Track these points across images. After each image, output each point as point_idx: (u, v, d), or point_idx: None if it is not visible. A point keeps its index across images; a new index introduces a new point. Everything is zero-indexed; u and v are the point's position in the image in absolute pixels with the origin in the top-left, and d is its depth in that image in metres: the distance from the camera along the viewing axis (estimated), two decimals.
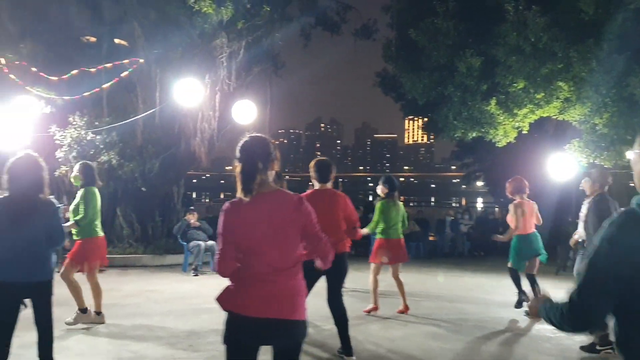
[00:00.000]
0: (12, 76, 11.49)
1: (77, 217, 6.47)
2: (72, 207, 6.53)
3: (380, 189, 7.62)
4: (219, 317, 7.10)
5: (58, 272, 5.71)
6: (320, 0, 15.66)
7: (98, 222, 6.70)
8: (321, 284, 5.31)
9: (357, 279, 9.66)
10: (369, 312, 7.49)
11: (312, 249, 3.01)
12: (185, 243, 11.47)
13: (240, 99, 12.21)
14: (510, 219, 7.65)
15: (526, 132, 12.98)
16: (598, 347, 5.65)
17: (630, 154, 2.02)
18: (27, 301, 4.40)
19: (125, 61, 12.18)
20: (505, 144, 13.25)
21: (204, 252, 11.23)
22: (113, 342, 5.89)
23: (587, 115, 11.49)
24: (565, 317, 1.95)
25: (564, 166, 9.69)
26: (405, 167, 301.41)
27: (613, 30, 10.67)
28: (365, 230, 7.25)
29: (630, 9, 10.47)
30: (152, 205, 13.44)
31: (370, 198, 11.33)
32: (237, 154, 2.99)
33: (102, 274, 10.68)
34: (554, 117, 12.64)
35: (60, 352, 5.35)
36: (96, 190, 6.64)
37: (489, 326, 7.01)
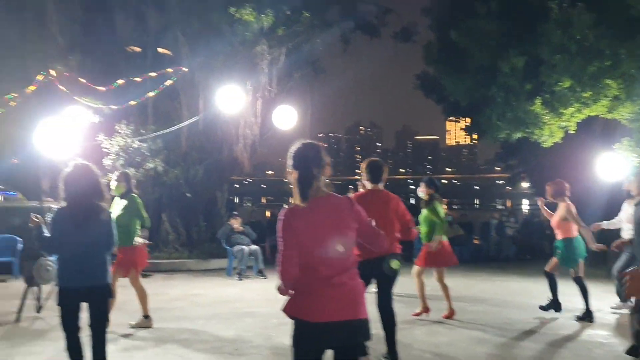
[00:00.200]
0: (62, 87, 11.89)
1: (146, 225, 6.88)
2: (115, 214, 6.64)
3: (424, 191, 7.46)
4: (262, 322, 7.20)
5: None
6: (360, 4, 15.66)
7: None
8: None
9: (401, 283, 9.60)
10: (418, 315, 7.42)
11: (372, 244, 3.23)
12: (229, 248, 11.62)
13: (281, 104, 12.33)
14: (558, 221, 7.46)
15: (573, 131, 12.66)
16: None
17: None
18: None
19: (169, 70, 12.45)
20: (551, 144, 12.95)
21: (248, 257, 11.34)
22: (160, 346, 6.00)
23: (637, 113, 11.14)
24: None
25: (614, 166, 9.41)
26: (448, 169, 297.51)
27: None
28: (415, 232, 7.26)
29: None
30: (197, 210, 13.68)
31: (412, 201, 11.27)
32: (291, 160, 3.04)
33: (148, 279, 10.95)
34: (602, 116, 12.28)
35: (109, 355, 5.50)
36: None
37: (537, 331, 6.85)
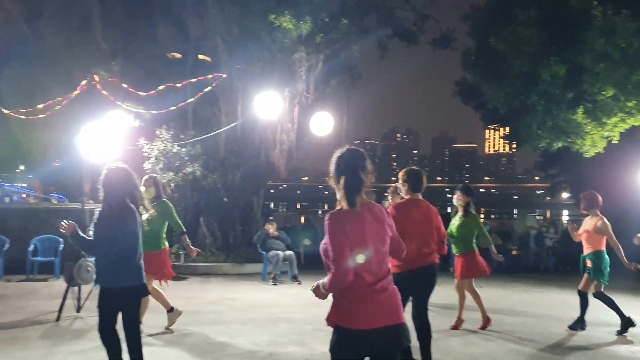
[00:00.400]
0: (104, 92, 12.19)
1: (182, 230, 6.92)
2: (144, 218, 6.67)
3: (460, 198, 7.33)
4: (297, 327, 7.22)
5: None
6: (398, 11, 15.62)
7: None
8: None
9: (436, 293, 9.51)
10: (455, 327, 7.30)
11: (396, 253, 3.26)
12: (264, 252, 11.70)
13: (317, 110, 12.38)
14: (589, 234, 7.28)
15: (616, 142, 12.35)
16: None
17: None
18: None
19: (209, 76, 12.64)
20: (593, 154, 12.67)
21: (283, 262, 11.39)
22: (196, 349, 6.08)
23: None
24: None
25: None
26: (486, 178, 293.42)
27: None
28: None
29: None
30: (233, 215, 13.82)
31: (449, 210, 11.15)
32: (336, 166, 3.05)
33: (185, 282, 11.11)
34: None
35: (145, 357, 5.60)
36: None
37: (576, 345, 6.69)
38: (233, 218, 13.81)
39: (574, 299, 10.34)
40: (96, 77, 12.33)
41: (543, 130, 12.86)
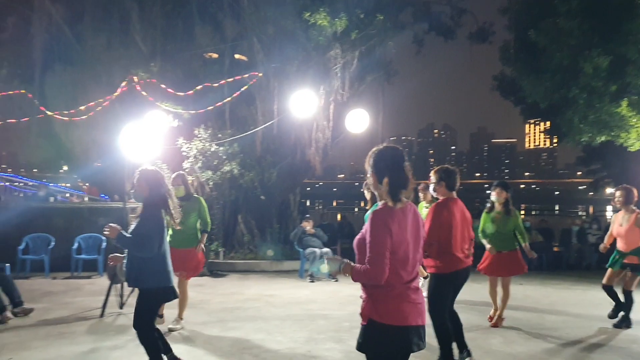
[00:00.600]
0: (144, 93, 12.43)
1: (208, 229, 6.97)
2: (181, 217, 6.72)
3: (500, 194, 7.16)
4: (335, 324, 7.25)
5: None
6: (434, 6, 15.47)
7: None
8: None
9: (473, 291, 9.40)
10: (494, 323, 7.21)
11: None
12: (301, 250, 11.75)
13: (353, 108, 12.35)
14: (628, 231, 7.10)
15: None
16: None
17: None
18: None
19: (245, 75, 12.76)
20: (638, 148, 12.31)
21: (319, 259, 11.43)
22: (236, 345, 6.16)
23: None
24: None
25: None
26: (526, 173, 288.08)
27: None
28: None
29: None
30: (270, 212, 13.93)
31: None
32: (377, 163, 3.05)
33: (224, 278, 11.27)
34: None
35: (185, 353, 5.70)
36: None
37: (620, 346, 6.50)
38: (270, 216, 13.92)
39: None
40: (136, 78, 12.58)
41: (585, 124, 12.56)
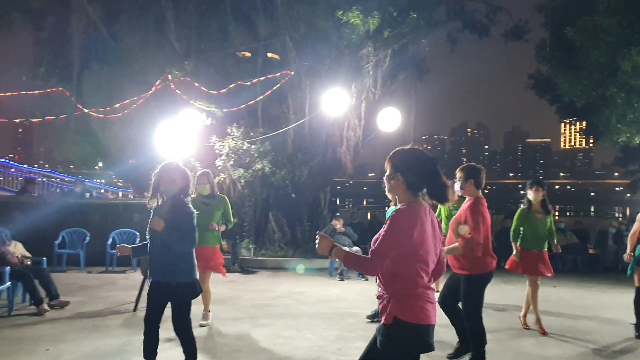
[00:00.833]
0: (178, 91, 12.61)
1: (230, 227, 6.99)
2: (207, 214, 6.63)
3: (539, 193, 6.97)
4: (364, 322, 7.25)
5: None
6: (468, 3, 15.30)
7: None
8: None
9: (505, 292, 9.29)
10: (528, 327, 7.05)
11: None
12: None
13: (385, 106, 12.32)
14: None
15: None
16: None
17: None
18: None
19: (278, 74, 12.83)
20: None
21: None
22: (267, 341, 6.20)
23: None
24: None
25: None
26: (561, 174, 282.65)
27: None
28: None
29: None
30: (301, 210, 13.99)
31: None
32: (403, 164, 3.04)
33: (255, 275, 11.35)
34: None
35: (216, 348, 5.77)
36: None
37: None
38: (301, 214, 13.98)
39: None
40: (170, 77, 12.77)
41: (623, 124, 12.27)
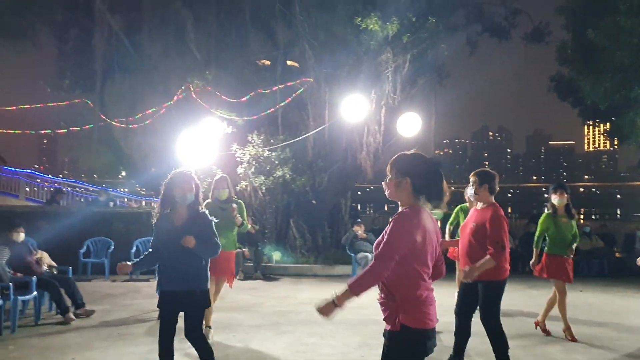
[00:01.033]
0: (199, 100, 12.73)
1: (243, 228, 6.87)
2: (224, 220, 6.51)
3: (563, 197, 6.82)
4: None
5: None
6: (487, 7, 15.22)
7: None
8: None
9: (531, 298, 9.19)
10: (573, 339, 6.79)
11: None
12: (353, 254, 11.73)
13: (405, 111, 12.28)
14: None
15: None
16: None
17: None
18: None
19: (297, 81, 12.88)
20: None
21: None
22: (290, 348, 6.21)
23: None
24: None
25: None
26: (586, 176, 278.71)
27: None
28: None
29: None
30: (322, 216, 13.99)
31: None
32: (415, 168, 3.05)
33: (278, 282, 11.37)
34: None
35: (240, 356, 5.78)
36: None
37: None
38: (322, 220, 13.97)
39: None
40: (191, 86, 12.90)
41: None
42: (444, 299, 5.40)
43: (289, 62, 14.17)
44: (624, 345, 6.60)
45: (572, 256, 6.89)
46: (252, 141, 12.91)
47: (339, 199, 14.50)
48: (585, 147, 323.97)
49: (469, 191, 5.21)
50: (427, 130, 14.47)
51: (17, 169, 21.78)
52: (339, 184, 14.10)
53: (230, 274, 6.79)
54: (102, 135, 14.55)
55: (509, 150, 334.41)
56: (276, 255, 12.00)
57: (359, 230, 12.11)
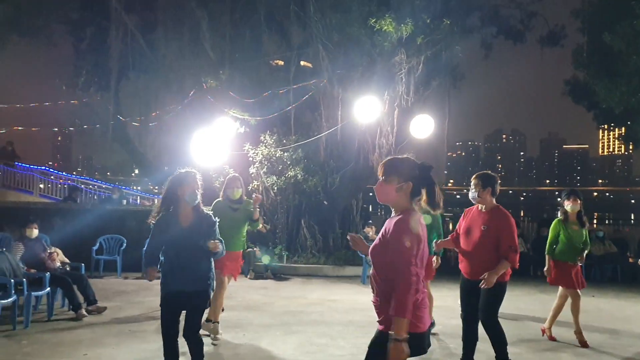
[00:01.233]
0: (213, 100, 12.80)
1: (256, 224, 6.92)
2: (233, 219, 6.62)
3: (576, 203, 6.74)
4: None
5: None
6: (503, 9, 15.13)
7: None
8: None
9: (542, 303, 9.13)
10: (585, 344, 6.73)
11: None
12: (364, 255, 11.72)
13: (418, 113, 12.26)
14: None
15: None
16: None
17: None
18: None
19: (310, 82, 12.90)
20: None
21: None
22: (300, 349, 6.22)
23: None
24: None
25: None
26: (599, 181, 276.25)
27: None
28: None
29: None
30: (333, 217, 13.99)
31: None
32: (415, 172, 3.08)
33: (288, 282, 11.39)
34: None
35: (251, 354, 5.80)
36: None
37: None
38: (333, 221, 13.97)
39: None
40: (205, 86, 12.97)
41: None
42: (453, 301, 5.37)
43: (302, 63, 14.19)
44: (636, 352, 6.54)
45: (580, 264, 6.83)
46: (265, 141, 12.95)
47: (351, 200, 14.49)
48: (600, 151, 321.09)
49: (471, 194, 5.21)
50: (440, 132, 14.41)
51: (31, 166, 21.97)
52: (351, 185, 14.09)
53: (237, 272, 6.83)
54: (116, 134, 14.69)
55: (522, 153, 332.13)
56: (265, 259, 11.89)
57: (370, 232, 12.10)
